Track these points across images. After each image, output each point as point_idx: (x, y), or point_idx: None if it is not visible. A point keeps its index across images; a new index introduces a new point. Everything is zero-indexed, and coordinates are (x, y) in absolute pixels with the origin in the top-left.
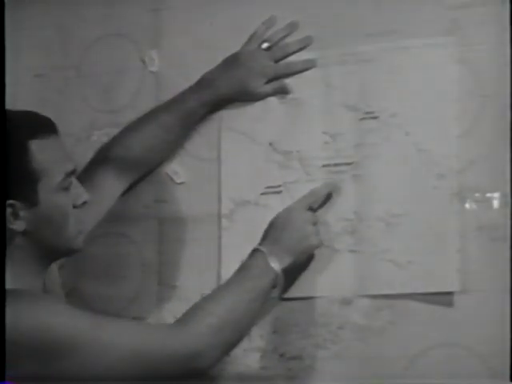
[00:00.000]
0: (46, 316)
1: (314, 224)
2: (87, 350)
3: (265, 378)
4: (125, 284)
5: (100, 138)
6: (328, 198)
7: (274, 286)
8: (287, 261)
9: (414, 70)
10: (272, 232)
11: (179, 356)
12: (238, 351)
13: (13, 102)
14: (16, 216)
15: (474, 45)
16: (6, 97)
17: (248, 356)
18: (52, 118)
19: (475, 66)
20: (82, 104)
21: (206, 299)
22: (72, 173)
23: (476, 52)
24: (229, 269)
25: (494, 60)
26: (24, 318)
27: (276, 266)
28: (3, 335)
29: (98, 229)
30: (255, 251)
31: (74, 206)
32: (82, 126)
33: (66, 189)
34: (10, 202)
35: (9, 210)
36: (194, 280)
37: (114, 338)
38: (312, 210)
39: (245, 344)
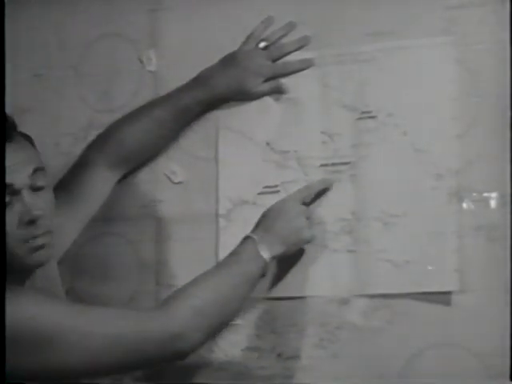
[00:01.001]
0: (26, 307)
1: (307, 218)
2: (69, 339)
3: (262, 377)
4: (122, 284)
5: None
6: (322, 194)
7: (262, 275)
8: (278, 250)
9: (412, 70)
10: (265, 221)
11: (161, 338)
12: (235, 351)
13: (12, 102)
14: None
15: (473, 45)
16: (5, 97)
17: (246, 356)
18: (51, 118)
19: (474, 66)
20: (80, 103)
21: (191, 283)
22: (10, 186)
23: (475, 52)
24: None
25: (493, 60)
26: (5, 311)
27: (266, 254)
28: (3, 335)
29: (96, 228)
30: (246, 238)
31: (21, 223)
32: (80, 126)
33: (8, 204)
34: None
35: None
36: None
37: (95, 326)
38: (305, 204)
39: (243, 344)
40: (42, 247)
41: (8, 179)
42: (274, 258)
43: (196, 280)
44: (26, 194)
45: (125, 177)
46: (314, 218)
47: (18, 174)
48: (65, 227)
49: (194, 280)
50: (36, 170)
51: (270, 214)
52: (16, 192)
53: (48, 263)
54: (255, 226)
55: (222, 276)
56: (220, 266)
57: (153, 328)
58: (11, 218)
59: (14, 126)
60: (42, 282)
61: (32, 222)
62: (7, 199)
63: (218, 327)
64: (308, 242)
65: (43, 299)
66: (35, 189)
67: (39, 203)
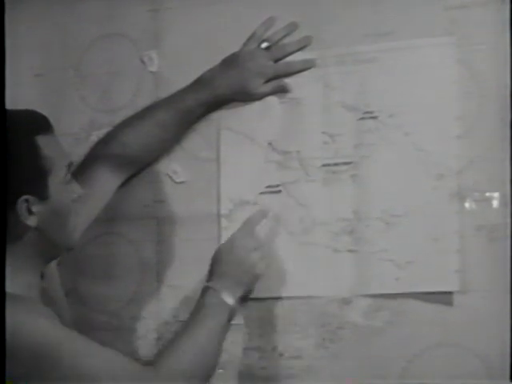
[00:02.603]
0: (29, 320)
1: (257, 249)
2: (62, 361)
3: (264, 377)
4: (124, 284)
5: (99, 138)
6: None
7: (230, 319)
8: (239, 292)
9: (413, 70)
10: (218, 267)
11: None
12: (237, 351)
13: (13, 102)
14: (30, 211)
15: (474, 45)
16: (5, 97)
17: (247, 356)
18: (51, 118)
19: (475, 66)
20: (81, 104)
21: (173, 343)
22: (70, 166)
23: (476, 52)
24: None
25: (493, 60)
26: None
27: (229, 300)
28: (3, 336)
29: (98, 228)
30: (207, 289)
31: (72, 200)
32: (81, 126)
33: (68, 183)
34: (25, 197)
35: (24, 206)
36: (193, 280)
37: (89, 358)
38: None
39: (244, 343)
40: (77, 228)
41: (68, 159)
42: (236, 301)
43: (177, 341)
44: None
45: (125, 184)
46: (265, 250)
47: (68, 156)
48: None
49: (174, 341)
50: (69, 165)
51: (222, 257)
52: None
53: (53, 264)
54: (210, 274)
55: (199, 333)
56: (193, 323)
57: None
58: (70, 194)
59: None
60: (47, 282)
61: (76, 200)
62: (68, 178)
63: (207, 379)
64: (262, 274)
65: (47, 319)
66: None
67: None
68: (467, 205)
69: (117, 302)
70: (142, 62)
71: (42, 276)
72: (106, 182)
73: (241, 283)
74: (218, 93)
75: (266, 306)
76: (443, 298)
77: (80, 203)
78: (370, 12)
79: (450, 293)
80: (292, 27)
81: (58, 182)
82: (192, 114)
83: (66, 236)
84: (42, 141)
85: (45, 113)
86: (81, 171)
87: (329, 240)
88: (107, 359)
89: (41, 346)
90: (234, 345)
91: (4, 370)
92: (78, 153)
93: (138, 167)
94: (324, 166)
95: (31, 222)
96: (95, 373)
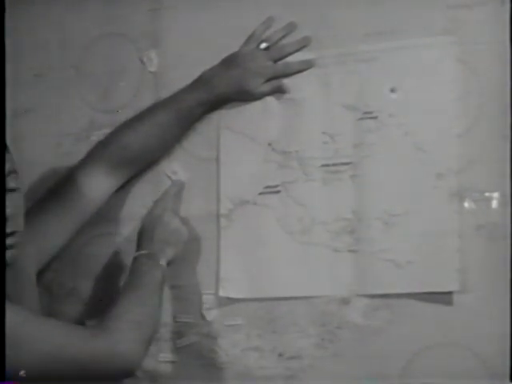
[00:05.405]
0: None
1: (176, 215)
2: (22, 343)
3: (263, 377)
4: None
5: (99, 138)
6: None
7: (164, 280)
8: (168, 255)
9: (413, 70)
10: (144, 237)
11: (105, 356)
12: (236, 351)
13: (13, 102)
14: None
15: (474, 44)
16: (5, 97)
17: (246, 355)
18: (51, 118)
19: (475, 66)
20: (81, 104)
21: (115, 306)
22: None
23: (476, 52)
24: (228, 268)
25: (493, 60)
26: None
27: (162, 261)
28: (3, 335)
29: (97, 228)
30: (138, 256)
31: None
32: (81, 126)
33: None
34: None
35: None
36: (193, 280)
37: (43, 334)
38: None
39: (243, 344)
40: (10, 247)
41: None
42: (168, 263)
43: (121, 301)
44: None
45: (125, 185)
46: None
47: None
48: (51, 234)
49: (119, 302)
50: (10, 173)
51: (146, 228)
52: None
53: (21, 267)
54: (138, 246)
55: (137, 292)
56: (129, 285)
57: (95, 345)
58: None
59: None
60: (12, 286)
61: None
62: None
63: (150, 340)
64: (188, 238)
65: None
66: (7, 190)
67: (10, 204)
68: (467, 204)
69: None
70: (142, 61)
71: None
72: (101, 185)
73: (168, 245)
74: (218, 92)
75: (266, 305)
76: (443, 297)
77: (63, 209)
78: (369, 12)
79: (450, 293)
80: (291, 27)
81: None
82: (192, 114)
83: None
84: None
85: (45, 112)
86: (74, 175)
87: (328, 240)
88: (61, 333)
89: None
90: (234, 345)
91: (4, 369)
92: (79, 153)
93: (138, 169)
94: (324, 165)
95: None
96: (54, 350)
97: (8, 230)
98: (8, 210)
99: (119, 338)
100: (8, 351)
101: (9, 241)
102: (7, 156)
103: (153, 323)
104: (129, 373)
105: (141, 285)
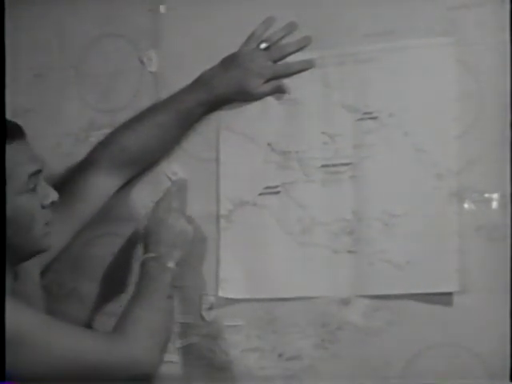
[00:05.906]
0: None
1: (181, 215)
2: (33, 348)
3: (263, 378)
4: (124, 284)
5: (99, 138)
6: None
7: (173, 282)
8: (176, 256)
9: (412, 71)
10: (150, 240)
11: (121, 362)
12: (236, 351)
13: (12, 102)
14: None
15: (474, 45)
16: (5, 97)
17: (246, 356)
18: (51, 118)
19: (474, 67)
20: (81, 104)
21: (128, 311)
22: (37, 173)
23: (475, 52)
24: (228, 269)
25: (493, 60)
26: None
27: (170, 264)
28: (3, 335)
29: (97, 229)
30: (146, 260)
31: (43, 206)
32: (81, 126)
33: (33, 190)
34: None
35: None
36: (193, 280)
37: (59, 340)
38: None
39: (243, 344)
40: (49, 233)
41: (34, 167)
42: (177, 264)
43: (131, 306)
44: (43, 181)
45: (125, 186)
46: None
47: (39, 161)
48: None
49: (131, 307)
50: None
51: (151, 231)
52: (39, 178)
53: (25, 268)
54: (144, 249)
55: (149, 296)
56: (140, 289)
57: (113, 352)
58: (36, 201)
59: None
60: (22, 284)
61: (49, 205)
62: (31, 185)
63: (166, 345)
64: (192, 238)
65: (19, 306)
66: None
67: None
68: (467, 205)
69: (117, 302)
70: (142, 62)
71: (16, 277)
72: (101, 186)
73: (175, 247)
74: (218, 93)
75: (266, 306)
76: (443, 298)
77: (64, 210)
78: (369, 12)
79: (450, 293)
80: (291, 27)
81: (15, 190)
82: (192, 114)
83: (33, 241)
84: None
85: (45, 113)
86: (75, 176)
87: (328, 240)
88: (78, 339)
89: (15, 334)
90: (234, 345)
91: (4, 369)
92: (78, 153)
93: (138, 170)
94: (323, 166)
95: None
96: (70, 355)
97: (50, 218)
98: (54, 195)
99: (137, 345)
100: (22, 354)
101: (50, 227)
102: (28, 160)
103: (166, 328)
104: (146, 379)
105: (152, 290)
